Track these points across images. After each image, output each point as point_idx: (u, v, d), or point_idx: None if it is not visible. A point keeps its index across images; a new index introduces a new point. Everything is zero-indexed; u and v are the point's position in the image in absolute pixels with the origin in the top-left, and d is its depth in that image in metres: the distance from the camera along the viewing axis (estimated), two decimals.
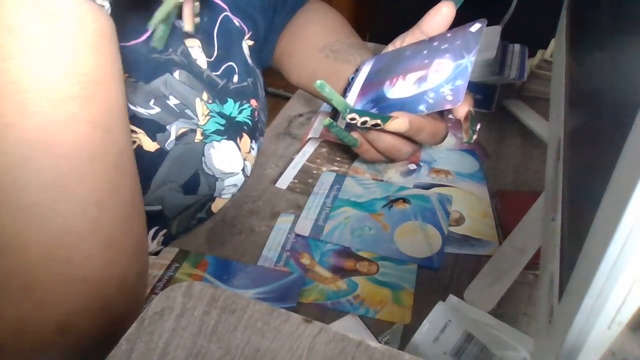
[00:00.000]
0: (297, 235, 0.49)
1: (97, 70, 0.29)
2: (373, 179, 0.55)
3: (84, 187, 0.28)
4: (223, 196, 0.51)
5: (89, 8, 0.28)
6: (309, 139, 0.61)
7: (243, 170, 0.51)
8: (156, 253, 0.47)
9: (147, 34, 0.44)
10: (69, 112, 0.27)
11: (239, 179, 0.52)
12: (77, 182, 0.28)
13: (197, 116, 0.46)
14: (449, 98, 0.42)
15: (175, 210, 0.47)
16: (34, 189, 0.27)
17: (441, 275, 0.45)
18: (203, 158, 0.47)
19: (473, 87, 0.69)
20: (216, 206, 0.51)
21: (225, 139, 0.49)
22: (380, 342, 0.26)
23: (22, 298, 0.27)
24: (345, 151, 0.59)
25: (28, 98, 0.26)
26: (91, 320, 0.30)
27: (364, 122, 0.43)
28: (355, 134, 0.47)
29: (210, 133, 0.48)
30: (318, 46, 0.57)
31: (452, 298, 0.42)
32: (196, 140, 0.46)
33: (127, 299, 0.32)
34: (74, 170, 0.28)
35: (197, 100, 0.47)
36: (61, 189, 0.27)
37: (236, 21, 0.54)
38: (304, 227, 0.49)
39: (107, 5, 0.30)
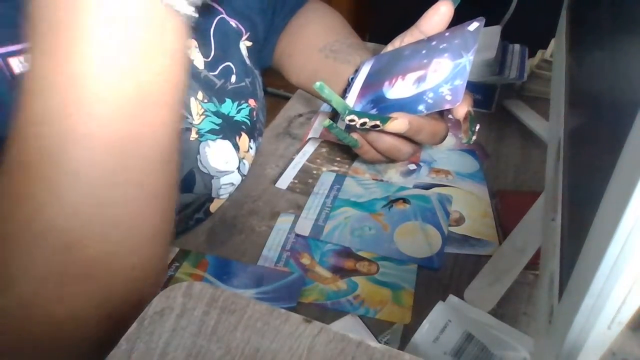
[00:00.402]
0: (297, 235, 0.49)
1: (175, 77, 0.29)
2: (373, 179, 0.55)
3: (153, 184, 0.29)
4: (221, 196, 0.51)
5: (175, 21, 0.28)
6: (309, 139, 0.61)
7: (239, 169, 0.51)
8: None
9: None
10: (147, 118, 0.27)
11: (235, 178, 0.52)
12: (150, 182, 0.29)
13: (191, 115, 0.47)
14: (448, 98, 0.42)
15: None
16: (110, 189, 0.27)
17: (441, 275, 0.45)
18: (198, 156, 0.47)
19: (473, 87, 0.68)
20: (214, 207, 0.51)
21: (221, 138, 0.49)
22: (380, 342, 0.26)
23: (78, 290, 0.28)
24: (345, 151, 0.59)
25: (105, 108, 0.26)
26: (130, 311, 0.30)
27: (363, 124, 0.43)
28: (355, 135, 0.47)
29: (205, 132, 0.48)
30: (318, 46, 0.57)
31: (452, 298, 0.42)
32: (191, 139, 0.46)
33: (152, 295, 0.32)
34: (150, 171, 0.28)
35: (192, 99, 0.47)
36: (136, 186, 0.28)
37: (233, 23, 0.54)
38: (304, 227, 0.49)
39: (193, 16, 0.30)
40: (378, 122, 0.43)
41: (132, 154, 0.28)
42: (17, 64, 0.35)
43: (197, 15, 0.29)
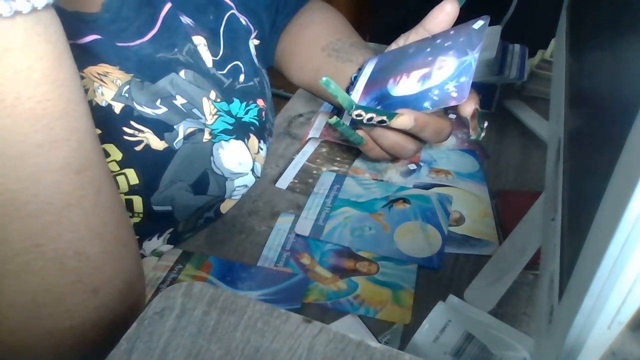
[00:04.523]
0: (297, 235, 0.49)
1: (58, 104, 0.25)
2: (373, 179, 0.55)
3: (61, 241, 0.26)
4: (233, 197, 0.51)
5: (39, 32, 0.23)
6: (309, 139, 0.61)
7: (252, 170, 0.51)
8: (161, 253, 0.47)
9: (152, 33, 0.44)
10: (34, 163, 0.24)
11: (249, 180, 0.51)
12: (53, 238, 0.26)
13: (204, 115, 0.46)
14: (454, 95, 0.42)
15: (186, 212, 0.46)
16: (6, 255, 0.25)
17: (441, 275, 0.45)
18: (212, 158, 0.47)
19: (473, 87, 0.69)
20: (225, 207, 0.51)
21: (234, 138, 0.49)
22: (380, 342, 0.26)
23: (8, 356, 0.27)
24: (345, 151, 0.59)
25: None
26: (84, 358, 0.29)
27: (370, 119, 0.43)
28: (360, 132, 0.47)
29: (219, 132, 0.47)
30: (320, 45, 0.57)
31: (452, 298, 0.42)
32: (204, 140, 0.46)
33: (119, 335, 0.30)
34: (48, 225, 0.25)
35: (204, 99, 0.47)
36: (35, 249, 0.25)
37: (243, 20, 0.54)
38: (304, 227, 0.49)
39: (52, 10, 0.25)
40: (385, 118, 0.43)
41: (27, 213, 0.25)
42: None
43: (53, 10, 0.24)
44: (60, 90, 0.25)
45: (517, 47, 0.70)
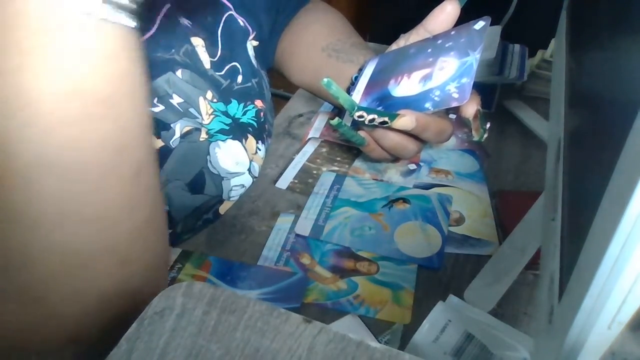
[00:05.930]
0: (297, 235, 0.49)
1: (105, 90, 0.26)
2: (373, 179, 0.55)
3: (94, 209, 0.27)
4: (232, 198, 0.51)
5: (98, 26, 0.25)
6: (309, 139, 0.61)
7: (249, 170, 0.51)
8: None
9: (150, 33, 0.44)
10: (71, 135, 0.25)
11: (246, 180, 0.51)
12: (85, 204, 0.27)
13: (201, 115, 0.46)
14: (455, 95, 0.42)
15: (183, 212, 0.46)
16: (36, 210, 0.26)
17: (441, 275, 0.45)
18: (208, 157, 0.47)
19: (473, 87, 0.69)
20: (223, 208, 0.51)
21: (231, 138, 0.49)
22: (380, 342, 0.26)
23: (35, 309, 0.28)
24: (345, 151, 0.59)
25: (25, 122, 0.24)
26: (103, 333, 0.30)
27: (372, 120, 0.43)
28: (362, 133, 0.47)
29: (215, 132, 0.47)
30: (320, 45, 0.57)
31: (452, 298, 0.42)
32: (201, 139, 0.46)
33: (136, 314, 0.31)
34: (81, 193, 0.27)
35: (201, 99, 0.47)
36: (67, 210, 0.26)
37: (241, 21, 0.54)
38: (304, 227, 0.49)
39: (133, 23, 0.28)
40: (386, 119, 0.43)
41: (60, 176, 0.26)
42: None
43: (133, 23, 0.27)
44: (112, 78, 0.27)
45: (517, 47, 0.70)
